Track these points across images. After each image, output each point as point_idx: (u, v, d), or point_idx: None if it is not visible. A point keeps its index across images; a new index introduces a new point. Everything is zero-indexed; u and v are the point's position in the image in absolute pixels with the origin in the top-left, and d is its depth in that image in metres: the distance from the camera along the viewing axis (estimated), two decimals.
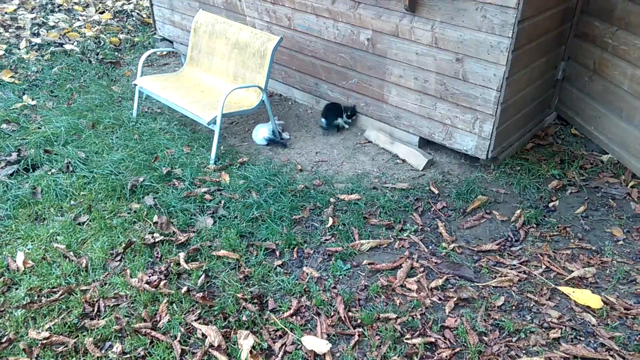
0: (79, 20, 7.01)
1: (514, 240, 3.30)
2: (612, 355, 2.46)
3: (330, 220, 3.37)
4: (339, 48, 4.50)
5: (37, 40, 6.23)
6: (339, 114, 4.53)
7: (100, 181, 3.62)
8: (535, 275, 2.98)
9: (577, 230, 3.38)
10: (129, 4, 7.66)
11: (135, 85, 4.47)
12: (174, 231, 3.22)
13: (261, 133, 4.34)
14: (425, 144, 4.37)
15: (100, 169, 3.77)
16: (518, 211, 3.54)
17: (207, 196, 3.56)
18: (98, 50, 6.09)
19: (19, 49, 6.02)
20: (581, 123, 4.35)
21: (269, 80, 4.19)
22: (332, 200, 3.60)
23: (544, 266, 3.05)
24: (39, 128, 4.33)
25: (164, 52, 6.10)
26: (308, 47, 4.75)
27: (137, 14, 7.24)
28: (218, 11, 5.41)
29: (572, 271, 3.00)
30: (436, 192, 3.72)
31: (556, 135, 4.50)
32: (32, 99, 4.81)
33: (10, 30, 6.59)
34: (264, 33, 4.25)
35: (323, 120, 4.57)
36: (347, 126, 4.60)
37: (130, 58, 6.00)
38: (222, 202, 3.52)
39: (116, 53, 6.12)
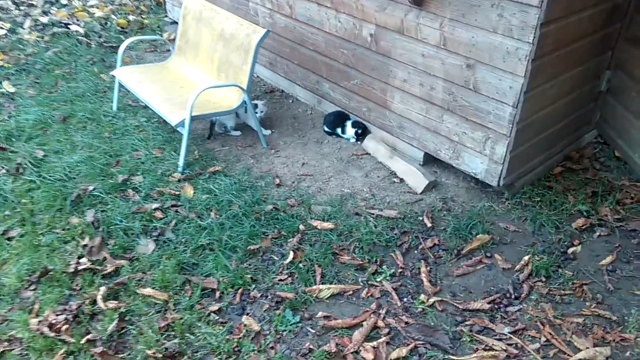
0: None
1: (512, 297, 2.66)
2: None
3: (291, 255, 2.83)
4: (341, 43, 3.90)
5: (44, 19, 5.94)
6: (343, 125, 3.98)
7: (45, 188, 3.22)
8: (529, 352, 2.34)
9: (597, 289, 2.70)
10: None
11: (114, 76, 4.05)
12: (105, 257, 2.78)
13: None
14: (431, 159, 3.73)
15: (51, 173, 3.38)
16: (526, 257, 2.88)
17: (158, 213, 3.10)
18: (102, 33, 5.72)
19: (23, 28, 5.74)
20: (623, 147, 3.57)
21: (252, 78, 3.65)
22: (301, 227, 3.05)
23: (543, 338, 2.41)
24: (7, 118, 3.99)
25: (171, 36, 5.66)
26: (309, 40, 4.18)
27: None
28: None
29: (579, 350, 2.34)
30: (429, 224, 3.09)
31: (593, 158, 3.74)
32: (13, 86, 4.49)
33: (22, 7, 6.34)
34: (249, 24, 3.70)
35: (326, 129, 4.05)
36: (352, 139, 4.01)
37: (134, 43, 5.60)
38: (173, 221, 3.05)
39: (121, 36, 5.74)
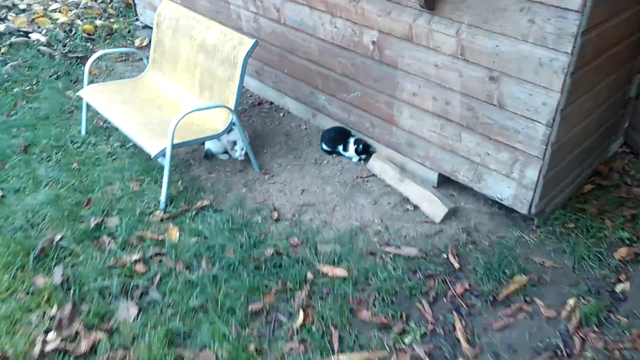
0: (56, 1, 6.08)
1: (564, 354, 2.27)
2: None
3: (301, 315, 2.40)
4: (338, 51, 3.45)
5: (0, 27, 5.34)
6: (345, 142, 3.53)
7: (3, 241, 2.72)
8: None
9: None
10: None
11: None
12: (78, 331, 2.31)
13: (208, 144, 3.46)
14: (447, 179, 3.31)
15: (10, 220, 2.88)
16: (571, 301, 2.50)
17: (139, 266, 2.63)
18: (66, 41, 5.16)
19: None
20: None
21: (240, 96, 3.18)
22: (309, 275, 2.62)
23: None
24: None
25: (144, 42, 5.13)
26: (301, 48, 3.71)
27: None
28: None
29: None
30: (456, 265, 2.68)
31: (624, 172, 3.37)
32: None
33: None
34: (234, 34, 3.22)
35: (325, 147, 3.61)
36: (355, 158, 3.57)
37: (108, 49, 5.04)
38: (158, 276, 2.59)
39: (88, 44, 5.20)
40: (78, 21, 5.58)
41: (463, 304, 2.51)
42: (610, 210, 3.06)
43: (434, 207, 3.08)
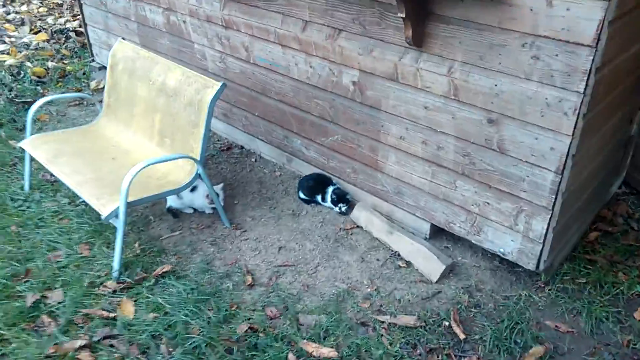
0: (4, 42, 5.64)
1: None
2: None
3: None
4: (315, 92, 3.13)
5: None
6: (323, 190, 3.17)
7: None
8: None
9: None
10: (74, 20, 6.30)
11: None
12: None
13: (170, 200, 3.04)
14: (439, 231, 2.98)
15: None
16: None
17: (84, 355, 2.17)
18: (13, 85, 4.71)
19: None
20: None
21: (206, 145, 2.80)
22: (291, 357, 2.20)
23: None
24: None
25: (100, 84, 4.73)
26: (273, 89, 3.38)
27: (77, 33, 5.88)
28: (159, 35, 4.05)
29: None
30: (461, 335, 2.31)
31: (628, 216, 3.10)
32: None
33: None
34: (198, 77, 2.87)
35: (302, 195, 3.25)
36: (335, 209, 3.21)
37: (55, 95, 4.62)
38: None
39: (38, 88, 4.76)
40: (28, 63, 5.15)
41: None
42: (621, 261, 2.77)
43: (430, 264, 2.72)
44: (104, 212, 2.54)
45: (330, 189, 3.17)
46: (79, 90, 4.72)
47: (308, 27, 2.98)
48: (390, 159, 2.94)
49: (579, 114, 2.16)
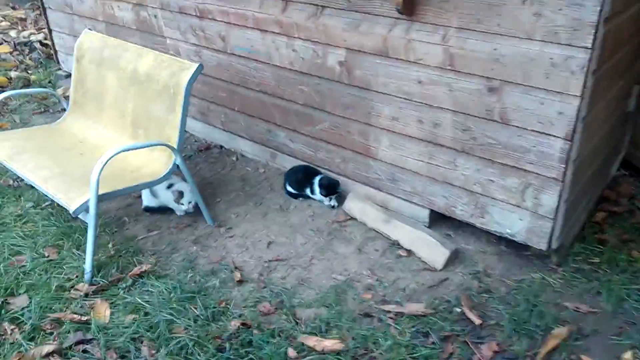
0: None
1: None
2: None
3: None
4: (299, 78, 2.94)
5: None
6: (311, 182, 2.96)
7: None
8: None
9: None
10: (39, 33, 6.02)
11: None
12: None
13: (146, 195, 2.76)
14: (439, 218, 2.78)
15: None
16: (627, 355, 1.94)
17: None
18: None
19: None
20: None
21: (184, 132, 2.57)
22: (291, 352, 1.95)
23: None
24: None
25: (67, 91, 4.45)
26: (253, 79, 3.18)
27: (43, 44, 5.61)
28: (130, 34, 3.83)
29: None
30: (477, 321, 2.10)
31: (632, 197, 2.96)
32: None
33: None
34: (173, 59, 2.65)
35: (289, 189, 3.02)
36: (326, 202, 3.00)
37: (18, 103, 4.34)
38: None
39: None
40: None
41: None
42: (633, 239, 2.61)
43: (433, 251, 2.52)
44: (73, 206, 2.28)
45: (316, 180, 2.95)
46: (44, 99, 4.43)
47: (289, 7, 2.81)
48: (383, 143, 2.76)
49: (587, 71, 2.01)
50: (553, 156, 2.21)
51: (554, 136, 2.18)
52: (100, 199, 2.31)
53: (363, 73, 2.66)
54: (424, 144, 2.60)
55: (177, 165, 2.60)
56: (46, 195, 2.44)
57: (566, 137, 2.15)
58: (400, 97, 2.57)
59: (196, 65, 2.56)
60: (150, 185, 2.55)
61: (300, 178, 3.01)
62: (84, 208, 2.29)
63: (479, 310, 2.19)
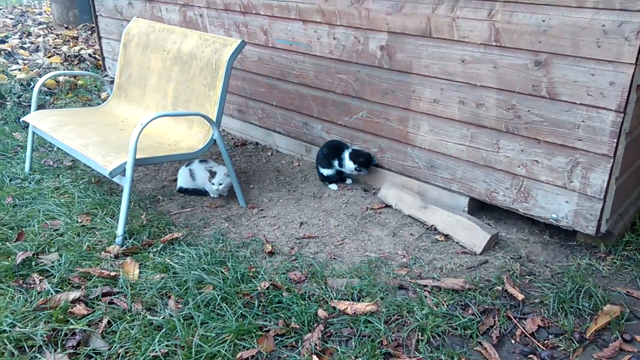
0: (17, 63, 5.59)
1: None
2: None
3: None
4: (338, 67, 2.94)
5: None
6: (340, 156, 2.90)
7: None
8: None
9: None
10: (88, 48, 6.29)
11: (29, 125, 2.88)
12: None
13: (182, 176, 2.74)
14: (478, 208, 2.68)
15: None
16: None
17: (79, 308, 1.84)
18: (22, 93, 4.58)
19: None
20: None
21: (223, 107, 2.58)
22: (321, 313, 1.86)
23: None
24: None
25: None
26: (293, 71, 3.20)
27: (92, 56, 5.84)
28: None
29: None
30: (519, 296, 1.97)
31: None
32: None
33: None
34: (218, 37, 2.70)
35: (321, 169, 2.96)
36: (349, 180, 2.94)
37: (63, 103, 4.48)
38: (105, 320, 1.79)
39: (47, 97, 4.61)
40: (39, 78, 5.04)
41: (540, 345, 1.77)
42: None
43: (472, 234, 2.40)
44: (110, 167, 2.28)
45: (346, 154, 2.88)
46: (89, 100, 4.56)
47: None
48: (422, 128, 2.70)
49: None
50: (604, 131, 2.11)
51: (605, 109, 2.09)
52: (137, 163, 2.31)
53: (404, 56, 2.64)
54: (465, 126, 2.53)
55: (215, 141, 2.60)
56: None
57: (618, 109, 2.06)
58: (442, 79, 2.53)
59: (239, 41, 2.59)
60: (188, 157, 2.55)
61: (327, 153, 2.94)
62: (121, 170, 2.29)
63: (522, 289, 2.06)
